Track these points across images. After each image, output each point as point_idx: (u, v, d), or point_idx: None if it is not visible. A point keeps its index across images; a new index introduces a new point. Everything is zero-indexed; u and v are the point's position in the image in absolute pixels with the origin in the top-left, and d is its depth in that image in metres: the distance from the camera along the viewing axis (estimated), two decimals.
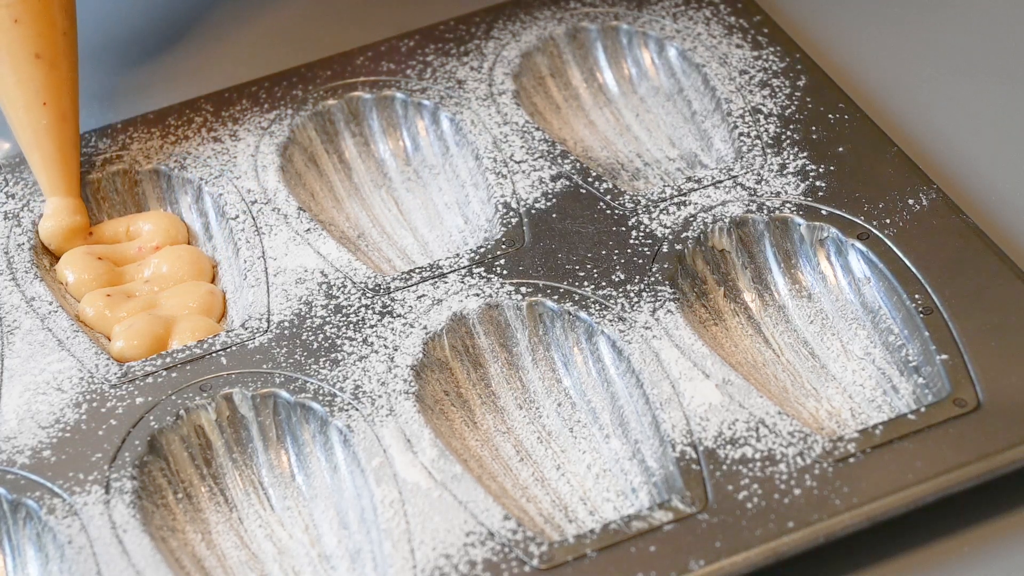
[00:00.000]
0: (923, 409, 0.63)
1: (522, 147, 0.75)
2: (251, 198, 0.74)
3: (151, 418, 0.66)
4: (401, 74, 0.79)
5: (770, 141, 0.74)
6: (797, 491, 0.61)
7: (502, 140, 0.76)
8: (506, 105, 0.77)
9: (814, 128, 0.74)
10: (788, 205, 0.71)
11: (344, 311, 0.69)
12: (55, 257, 0.74)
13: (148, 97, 0.82)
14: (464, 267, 0.70)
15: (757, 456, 0.62)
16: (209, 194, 0.75)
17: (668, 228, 0.71)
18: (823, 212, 0.70)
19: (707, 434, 0.63)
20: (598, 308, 0.68)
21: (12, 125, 0.74)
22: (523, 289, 0.69)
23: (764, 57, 0.78)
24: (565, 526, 0.63)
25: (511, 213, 0.72)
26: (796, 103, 0.76)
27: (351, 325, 0.68)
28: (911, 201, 0.71)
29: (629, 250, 0.70)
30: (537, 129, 0.76)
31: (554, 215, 0.72)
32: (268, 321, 0.69)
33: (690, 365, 0.65)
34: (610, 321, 0.67)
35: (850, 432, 0.63)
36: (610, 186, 0.73)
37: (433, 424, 0.65)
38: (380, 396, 0.65)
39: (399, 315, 0.68)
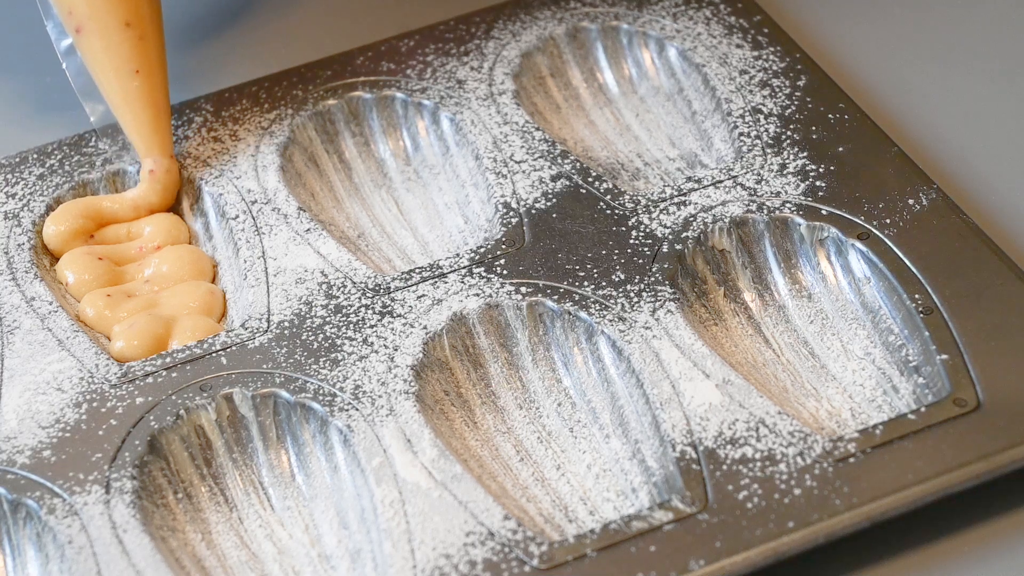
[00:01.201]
0: (923, 409, 0.63)
1: (522, 147, 0.75)
2: (251, 198, 0.74)
3: (151, 418, 0.66)
4: (401, 74, 0.79)
5: (770, 141, 0.74)
6: (797, 491, 0.61)
7: (502, 140, 0.76)
8: (506, 105, 0.77)
9: (814, 128, 0.74)
10: (788, 205, 0.71)
11: (344, 311, 0.69)
12: (55, 257, 0.74)
13: None
14: (464, 267, 0.70)
15: (757, 456, 0.62)
16: (209, 194, 0.75)
17: (668, 228, 0.71)
18: (823, 212, 0.70)
19: (707, 434, 0.63)
20: (598, 308, 0.68)
21: (103, 90, 0.74)
22: (523, 289, 0.69)
23: (764, 57, 0.78)
24: (565, 526, 0.63)
25: (511, 213, 0.72)
26: (796, 103, 0.76)
27: (351, 325, 0.68)
28: (911, 201, 0.71)
29: (629, 250, 0.70)
30: (537, 129, 0.76)
31: (554, 215, 0.72)
32: (268, 321, 0.69)
33: (690, 365, 0.65)
34: (610, 321, 0.67)
35: (850, 432, 0.63)
36: (610, 186, 0.73)
37: (433, 424, 0.65)
38: (380, 396, 0.65)
39: (399, 315, 0.68)
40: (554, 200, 0.73)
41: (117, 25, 0.73)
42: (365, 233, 0.75)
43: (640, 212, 0.72)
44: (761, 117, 0.75)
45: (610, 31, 0.81)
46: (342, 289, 0.70)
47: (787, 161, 0.73)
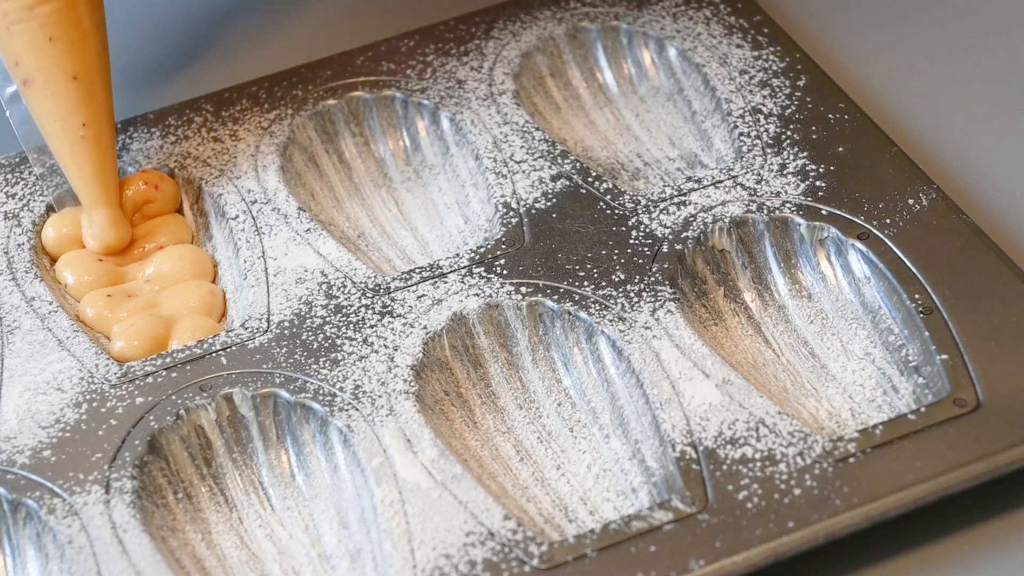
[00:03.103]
0: (923, 409, 0.63)
1: (522, 147, 0.75)
2: (251, 198, 0.74)
3: (151, 418, 0.66)
4: (401, 74, 0.79)
5: (770, 141, 0.74)
6: (797, 491, 0.61)
7: (502, 140, 0.76)
8: (506, 105, 0.77)
9: (814, 128, 0.74)
10: (788, 205, 0.71)
11: (344, 311, 0.69)
12: (55, 257, 0.74)
13: (148, 97, 0.82)
14: (464, 267, 0.70)
15: (757, 456, 0.62)
16: (209, 194, 0.75)
17: (668, 228, 0.71)
18: (823, 212, 0.70)
19: (707, 434, 0.63)
20: (598, 308, 0.68)
21: (50, 141, 0.73)
22: (523, 289, 0.69)
23: (764, 57, 0.78)
24: (565, 526, 0.63)
25: (511, 213, 0.72)
26: (796, 103, 0.76)
27: (351, 325, 0.68)
28: (911, 201, 0.71)
29: (629, 250, 0.70)
30: (537, 129, 0.76)
31: (554, 215, 0.72)
32: (268, 321, 0.69)
33: (690, 365, 0.65)
34: (610, 321, 0.67)
35: (850, 432, 0.63)
36: (610, 186, 0.73)
37: (433, 424, 0.65)
38: (380, 396, 0.65)
39: (399, 315, 0.68)
40: (554, 200, 0.73)
41: (64, 78, 0.73)
42: (365, 233, 0.75)
43: (640, 212, 0.72)
44: (761, 117, 0.75)
45: (610, 31, 0.81)
46: (342, 289, 0.70)
47: (787, 161, 0.73)
